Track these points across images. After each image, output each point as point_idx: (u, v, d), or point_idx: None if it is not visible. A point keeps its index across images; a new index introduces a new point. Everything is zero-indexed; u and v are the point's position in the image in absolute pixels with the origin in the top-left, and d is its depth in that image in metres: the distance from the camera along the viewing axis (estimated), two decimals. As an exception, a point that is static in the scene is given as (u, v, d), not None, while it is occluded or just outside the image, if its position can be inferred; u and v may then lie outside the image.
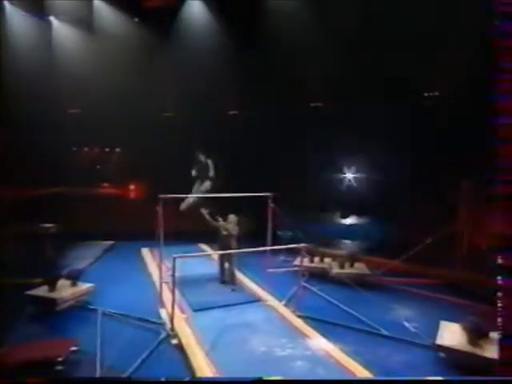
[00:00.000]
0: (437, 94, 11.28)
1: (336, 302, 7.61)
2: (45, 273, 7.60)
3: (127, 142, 14.90)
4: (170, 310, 6.23)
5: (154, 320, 6.62)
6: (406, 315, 7.03)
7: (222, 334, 5.94)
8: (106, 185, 16.41)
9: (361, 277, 8.58)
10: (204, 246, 11.34)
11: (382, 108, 11.31)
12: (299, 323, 6.38)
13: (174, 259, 5.76)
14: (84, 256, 10.11)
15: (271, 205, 7.61)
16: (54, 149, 13.95)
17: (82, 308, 7.16)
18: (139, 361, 5.32)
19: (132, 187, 17.63)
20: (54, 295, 6.98)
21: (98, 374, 5.04)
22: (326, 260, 9.59)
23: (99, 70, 12.99)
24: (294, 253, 8.96)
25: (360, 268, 9.09)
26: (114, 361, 5.31)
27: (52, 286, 7.17)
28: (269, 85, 12.86)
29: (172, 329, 6.10)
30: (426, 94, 11.42)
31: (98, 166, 16.39)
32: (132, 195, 17.16)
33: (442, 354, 5.57)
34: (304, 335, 5.95)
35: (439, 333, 5.88)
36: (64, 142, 14.82)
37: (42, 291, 7.11)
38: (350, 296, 7.88)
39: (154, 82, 13.46)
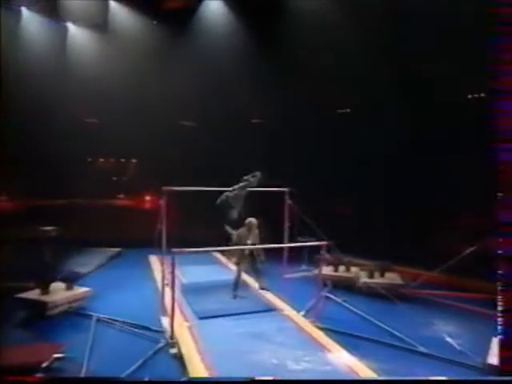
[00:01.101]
0: (483, 95, 10.58)
1: (363, 314, 6.92)
2: (41, 277, 7.25)
3: (144, 152, 14.77)
4: (167, 315, 5.79)
5: (153, 328, 6.14)
6: (448, 331, 6.27)
7: (228, 343, 5.39)
8: (120, 196, 16.28)
9: (394, 288, 7.82)
10: (218, 255, 10.84)
11: (418, 110, 10.75)
12: (319, 335, 5.73)
13: (173, 255, 5.28)
14: (86, 262, 9.86)
15: (288, 201, 7.03)
16: (67, 159, 14.00)
17: (75, 313, 6.77)
18: (129, 371, 4.81)
19: (148, 198, 17.51)
20: (45, 298, 6.63)
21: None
22: (353, 269, 8.90)
23: (116, 76, 12.88)
24: (317, 262, 8.28)
25: (392, 278, 8.36)
26: (103, 370, 4.86)
27: (44, 289, 6.82)
28: (293, 90, 12.42)
29: (172, 337, 5.58)
30: (469, 96, 10.78)
31: (114, 178, 16.35)
32: (147, 206, 16.99)
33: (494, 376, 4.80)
34: (323, 348, 5.31)
35: (491, 351, 5.13)
36: (79, 152, 14.91)
37: (33, 294, 6.79)
38: (380, 308, 7.18)
39: (172, 89, 13.24)
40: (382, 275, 8.46)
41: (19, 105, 11.59)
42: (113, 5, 13.17)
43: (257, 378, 3.66)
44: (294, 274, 7.05)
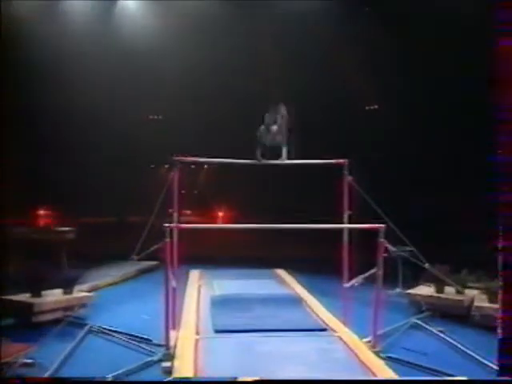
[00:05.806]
0: None
1: (463, 348, 6.35)
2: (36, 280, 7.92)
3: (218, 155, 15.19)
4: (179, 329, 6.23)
5: (155, 341, 6.40)
6: None
7: (238, 360, 5.37)
8: (188, 212, 16.88)
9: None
10: (281, 272, 10.95)
11: None
12: (373, 362, 5.41)
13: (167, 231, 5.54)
14: (109, 273, 10.59)
15: (348, 177, 6.81)
16: (126, 164, 15.50)
17: (69, 322, 7.34)
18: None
19: (220, 214, 18.02)
20: (32, 300, 7.26)
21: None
22: (468, 292, 8.22)
23: (185, 64, 13.49)
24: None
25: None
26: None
27: (36, 292, 7.47)
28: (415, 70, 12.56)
29: (167, 347, 5.80)
30: None
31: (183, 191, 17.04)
32: (219, 222, 17.49)
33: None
34: (372, 375, 5.00)
35: None
36: (140, 156, 16.29)
37: (21, 297, 7.47)
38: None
39: (253, 74, 13.77)
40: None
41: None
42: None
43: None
44: (357, 279, 6.64)
